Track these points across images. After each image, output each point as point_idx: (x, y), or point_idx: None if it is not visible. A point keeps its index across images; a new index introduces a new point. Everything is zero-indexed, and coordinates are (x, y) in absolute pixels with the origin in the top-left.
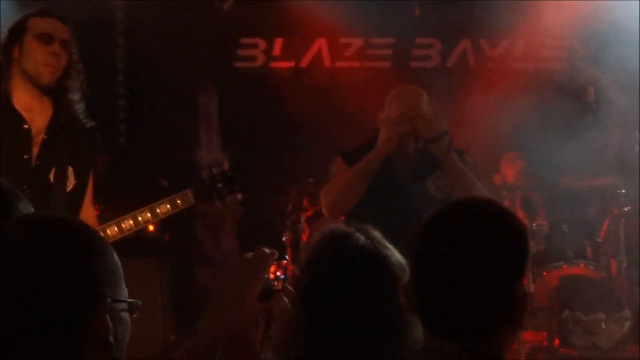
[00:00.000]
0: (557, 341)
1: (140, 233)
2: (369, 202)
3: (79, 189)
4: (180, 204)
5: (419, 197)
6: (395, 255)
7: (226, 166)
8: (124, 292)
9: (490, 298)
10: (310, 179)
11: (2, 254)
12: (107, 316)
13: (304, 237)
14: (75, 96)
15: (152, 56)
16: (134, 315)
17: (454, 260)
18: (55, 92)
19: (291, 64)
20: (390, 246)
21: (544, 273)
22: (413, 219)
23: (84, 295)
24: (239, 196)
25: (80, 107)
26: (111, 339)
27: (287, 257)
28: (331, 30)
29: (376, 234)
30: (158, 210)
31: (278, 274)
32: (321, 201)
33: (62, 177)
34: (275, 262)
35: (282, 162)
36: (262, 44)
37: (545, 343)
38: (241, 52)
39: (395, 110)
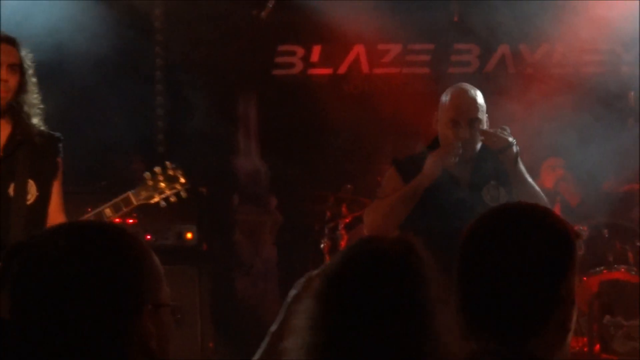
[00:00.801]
0: (597, 347)
1: (179, 241)
2: (425, 209)
3: (42, 201)
4: (122, 205)
5: (475, 205)
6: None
7: (168, 165)
8: (166, 296)
9: (535, 299)
10: (348, 186)
11: (44, 261)
12: (150, 321)
13: (343, 244)
14: (32, 110)
15: (191, 65)
16: (178, 316)
17: (499, 261)
18: (11, 111)
19: (329, 70)
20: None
21: (584, 278)
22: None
23: (126, 301)
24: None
25: (38, 120)
26: (154, 344)
27: None
28: (369, 36)
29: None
30: (104, 214)
31: None
32: (364, 220)
33: (21, 191)
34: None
35: (321, 169)
36: (300, 51)
37: (586, 349)
38: (279, 60)
39: (450, 116)
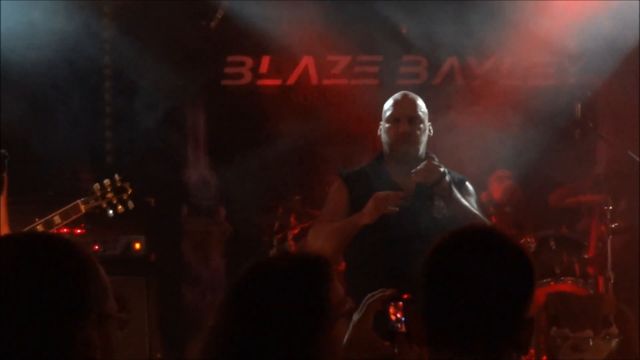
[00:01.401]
0: (544, 358)
1: (127, 252)
2: (374, 226)
3: None
4: (72, 213)
5: (420, 216)
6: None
7: (117, 177)
8: (112, 308)
9: (500, 323)
10: (297, 197)
11: None
12: (94, 332)
13: None
14: None
15: (139, 75)
16: (124, 330)
17: (464, 287)
18: None
19: (278, 81)
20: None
21: None
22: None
23: (70, 311)
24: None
25: None
26: (98, 355)
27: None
28: (318, 47)
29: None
30: (53, 221)
31: (398, 315)
32: (309, 240)
33: None
34: (392, 304)
35: (269, 180)
36: (249, 61)
37: None
38: (228, 70)
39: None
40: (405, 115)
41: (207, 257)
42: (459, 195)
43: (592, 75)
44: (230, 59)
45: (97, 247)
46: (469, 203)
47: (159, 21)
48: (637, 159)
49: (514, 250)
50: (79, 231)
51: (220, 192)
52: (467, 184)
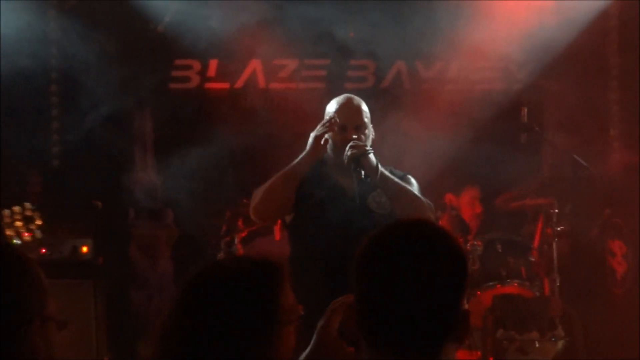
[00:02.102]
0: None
1: (74, 255)
2: (310, 218)
3: None
4: None
5: (360, 213)
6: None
7: (27, 205)
8: (53, 310)
9: (435, 316)
10: (244, 200)
11: None
12: (37, 335)
13: None
14: None
15: (86, 78)
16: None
17: (398, 280)
18: None
19: (226, 85)
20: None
21: (478, 293)
22: (355, 235)
23: (11, 315)
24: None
25: None
26: (42, 357)
27: None
28: (265, 51)
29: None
30: None
31: None
32: (250, 206)
33: None
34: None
35: (217, 183)
36: (196, 65)
37: None
38: (176, 74)
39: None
40: (352, 123)
41: (154, 261)
42: (388, 174)
43: (537, 80)
44: (177, 62)
45: (44, 250)
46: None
47: (107, 24)
48: (583, 162)
49: (445, 241)
50: (26, 234)
51: (168, 196)
52: (409, 176)
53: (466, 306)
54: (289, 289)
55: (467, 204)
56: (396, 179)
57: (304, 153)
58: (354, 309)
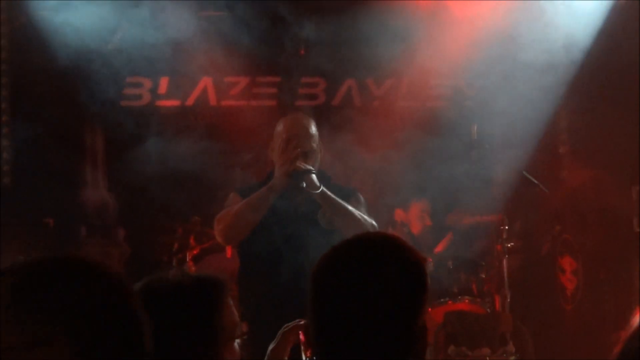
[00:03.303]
0: None
1: None
2: (262, 235)
3: None
4: None
5: (308, 229)
6: None
7: None
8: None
9: (394, 332)
10: (196, 217)
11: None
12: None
13: None
14: None
15: (37, 95)
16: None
17: (354, 297)
18: None
19: (177, 102)
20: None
21: (430, 309)
22: (305, 251)
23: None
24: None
25: None
26: None
27: None
28: (217, 69)
29: None
30: None
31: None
32: (215, 227)
33: None
34: (303, 332)
35: (168, 201)
36: (147, 82)
37: None
38: (127, 91)
39: (283, 140)
40: (300, 147)
41: None
42: (329, 193)
43: (488, 97)
44: (129, 79)
45: None
46: (358, 210)
47: (58, 41)
48: (533, 179)
49: (401, 257)
50: None
51: (119, 213)
52: (358, 194)
53: (425, 323)
54: (231, 306)
55: (416, 217)
56: (337, 199)
57: (270, 186)
58: (309, 328)
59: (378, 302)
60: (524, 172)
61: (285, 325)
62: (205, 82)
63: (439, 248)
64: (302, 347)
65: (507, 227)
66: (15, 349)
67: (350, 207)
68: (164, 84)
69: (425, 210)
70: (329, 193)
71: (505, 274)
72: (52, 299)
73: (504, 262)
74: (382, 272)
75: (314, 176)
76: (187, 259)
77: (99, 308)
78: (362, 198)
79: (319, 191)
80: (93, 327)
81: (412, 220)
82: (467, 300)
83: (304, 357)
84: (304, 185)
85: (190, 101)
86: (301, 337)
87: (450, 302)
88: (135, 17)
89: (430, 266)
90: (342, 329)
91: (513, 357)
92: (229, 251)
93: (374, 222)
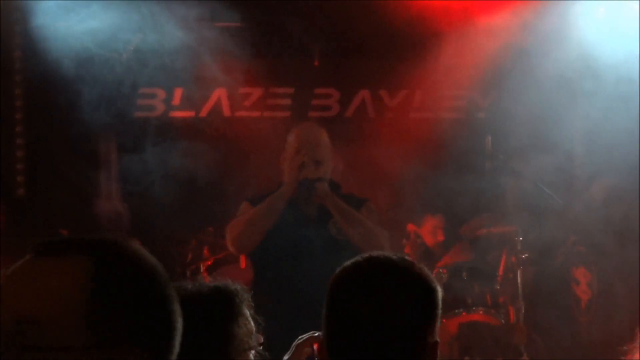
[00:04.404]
0: None
1: None
2: (274, 244)
3: None
4: None
5: (321, 239)
6: None
7: None
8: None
9: (404, 348)
10: (210, 228)
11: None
12: None
13: None
14: None
15: (51, 107)
16: None
17: (364, 317)
18: None
19: (191, 113)
20: None
21: (444, 320)
22: (316, 260)
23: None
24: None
25: None
26: None
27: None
28: (230, 80)
29: None
30: None
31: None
32: (226, 236)
33: None
34: (318, 344)
35: (182, 212)
36: (161, 93)
37: None
38: (140, 102)
39: (295, 150)
40: (311, 158)
41: None
42: (339, 202)
43: (502, 108)
44: (142, 90)
45: None
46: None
47: (71, 52)
48: (547, 190)
49: (412, 275)
50: None
51: (133, 224)
52: (369, 204)
53: (437, 337)
54: (247, 316)
55: (429, 232)
56: (349, 208)
57: (280, 192)
58: (323, 342)
59: (390, 320)
60: (538, 184)
61: (299, 337)
62: (219, 93)
63: (447, 259)
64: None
65: (521, 239)
66: (80, 350)
67: (361, 217)
68: (177, 94)
69: (438, 225)
70: (340, 202)
71: (520, 286)
72: (132, 296)
73: (519, 273)
74: (393, 291)
75: (325, 185)
76: (201, 270)
77: (161, 308)
78: (373, 208)
79: (329, 200)
80: (157, 329)
81: (425, 234)
82: (481, 312)
83: None
84: (314, 194)
85: (204, 112)
86: (315, 348)
87: (464, 313)
88: (149, 28)
89: (444, 277)
90: (356, 345)
91: None
92: (242, 262)
93: (385, 233)
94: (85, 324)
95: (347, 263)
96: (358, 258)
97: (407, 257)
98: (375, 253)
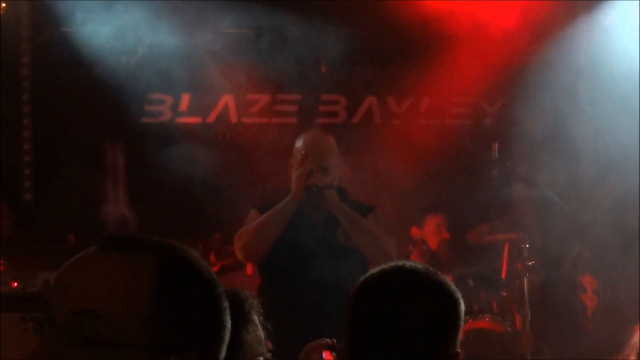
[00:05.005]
0: None
1: (46, 289)
2: (282, 251)
3: None
4: None
5: (329, 246)
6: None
7: None
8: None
9: (427, 357)
10: (217, 234)
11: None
12: None
13: None
14: None
15: (59, 112)
16: None
17: (387, 327)
18: None
19: (198, 119)
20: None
21: None
22: (323, 267)
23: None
24: None
25: None
26: None
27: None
28: (238, 86)
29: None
30: None
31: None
32: (235, 244)
33: None
34: (327, 350)
35: (189, 218)
36: (169, 99)
37: None
38: (148, 108)
39: (302, 157)
40: (318, 165)
41: None
42: (346, 208)
43: (509, 115)
44: (150, 96)
45: (15, 283)
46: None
47: (79, 57)
48: (554, 197)
49: (435, 287)
50: None
51: (139, 230)
52: (376, 211)
53: (457, 348)
54: (256, 323)
55: (432, 232)
56: (356, 215)
57: (288, 199)
58: (345, 348)
59: (414, 329)
60: (545, 191)
61: (308, 345)
62: (227, 99)
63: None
64: None
65: (527, 246)
66: (138, 349)
67: (369, 224)
68: (185, 100)
69: (441, 224)
70: (348, 209)
71: (526, 293)
72: (194, 301)
73: (525, 280)
74: (414, 303)
75: (333, 192)
76: None
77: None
78: (380, 215)
79: (337, 207)
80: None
81: (428, 235)
82: (487, 319)
83: None
84: (323, 201)
85: (211, 118)
86: (325, 356)
87: (470, 320)
88: (157, 34)
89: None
90: (378, 352)
91: None
92: (249, 268)
93: (392, 240)
94: (146, 324)
95: (374, 271)
96: (384, 266)
97: (431, 268)
98: (401, 262)
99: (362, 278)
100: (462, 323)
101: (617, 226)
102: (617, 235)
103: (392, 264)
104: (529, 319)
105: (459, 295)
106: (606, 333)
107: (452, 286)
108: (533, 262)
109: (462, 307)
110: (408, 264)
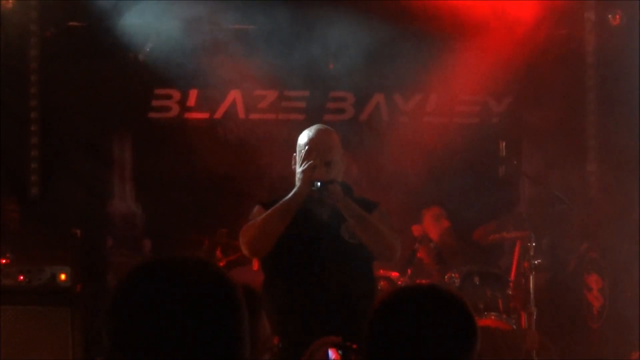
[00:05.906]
0: None
1: (52, 282)
2: (286, 248)
3: None
4: None
5: (333, 242)
6: None
7: None
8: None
9: None
10: (223, 230)
11: None
12: None
13: None
14: None
15: (66, 106)
16: None
17: (406, 343)
18: None
19: (205, 115)
20: None
21: None
22: (328, 263)
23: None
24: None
25: None
26: None
27: (347, 345)
28: (245, 82)
29: None
30: None
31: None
32: (240, 240)
33: None
34: (333, 348)
35: (195, 213)
36: (176, 94)
37: None
38: (155, 103)
39: (305, 152)
40: (322, 159)
41: None
42: (351, 204)
43: (516, 114)
44: (157, 91)
45: (22, 277)
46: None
47: (87, 52)
48: (561, 196)
49: (455, 307)
50: (4, 261)
51: (146, 225)
52: (381, 207)
53: None
54: (265, 320)
55: (431, 223)
56: (361, 211)
57: (293, 194)
58: (340, 346)
59: (431, 348)
60: (552, 190)
61: (315, 342)
62: (234, 95)
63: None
64: None
65: (534, 244)
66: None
67: (374, 221)
68: (192, 96)
69: (438, 213)
70: (353, 205)
71: (532, 291)
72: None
73: (531, 278)
74: (435, 322)
75: (338, 187)
76: None
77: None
78: (385, 212)
79: (341, 201)
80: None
81: (429, 227)
82: (493, 317)
83: None
84: (327, 196)
85: (218, 114)
86: (331, 354)
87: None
88: (165, 30)
89: (456, 282)
90: None
91: None
92: (255, 264)
93: (397, 237)
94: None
95: (397, 288)
96: (411, 284)
97: (451, 291)
98: (425, 283)
99: (385, 294)
100: (478, 344)
101: (623, 226)
102: (624, 235)
103: (416, 284)
104: (535, 317)
105: (472, 312)
106: (612, 332)
107: (466, 303)
108: (539, 261)
109: (478, 329)
110: (433, 284)
